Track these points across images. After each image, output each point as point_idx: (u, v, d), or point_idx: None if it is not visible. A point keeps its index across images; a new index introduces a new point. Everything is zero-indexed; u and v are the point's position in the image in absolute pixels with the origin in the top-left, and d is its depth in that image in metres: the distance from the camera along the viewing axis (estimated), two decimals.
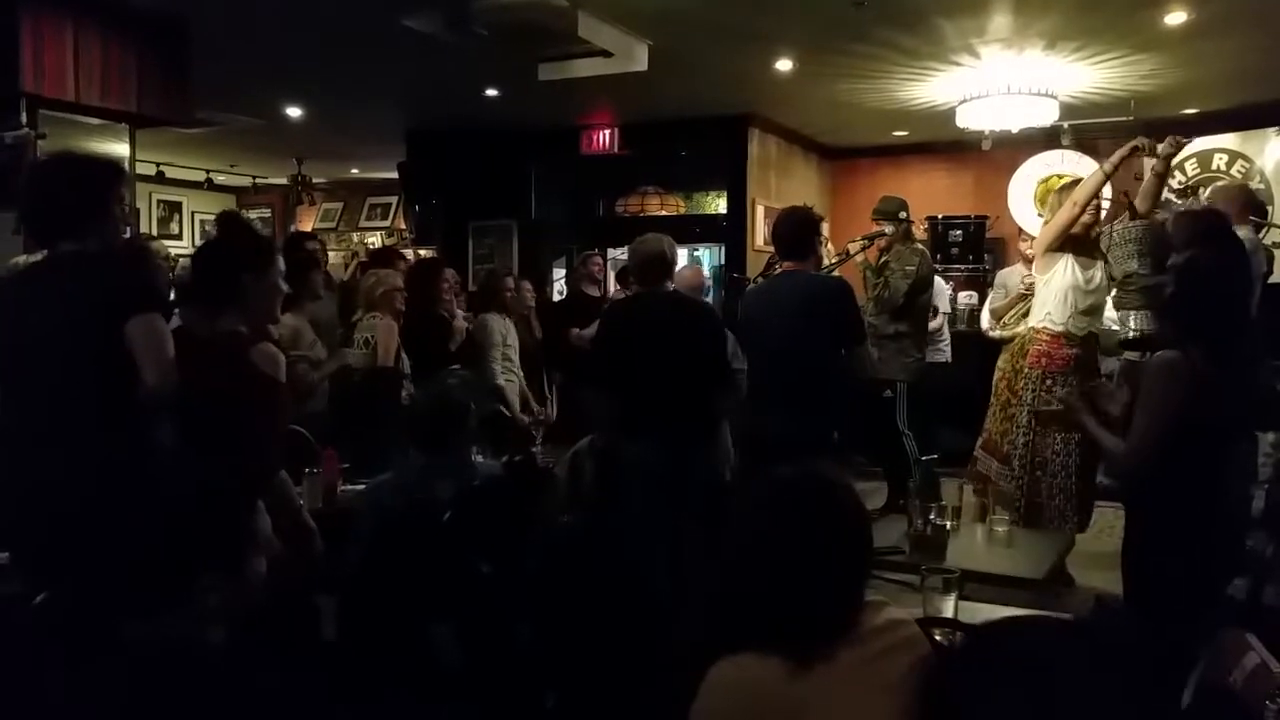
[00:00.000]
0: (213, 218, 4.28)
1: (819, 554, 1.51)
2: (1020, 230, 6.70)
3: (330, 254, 8.72)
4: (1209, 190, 5.78)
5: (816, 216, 3.92)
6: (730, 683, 1.48)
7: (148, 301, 2.32)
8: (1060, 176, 6.99)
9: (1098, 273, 4.20)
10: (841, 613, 1.51)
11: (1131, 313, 4.43)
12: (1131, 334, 4.42)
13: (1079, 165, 6.99)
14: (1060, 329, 4.16)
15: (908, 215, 5.48)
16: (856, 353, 3.73)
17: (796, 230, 3.82)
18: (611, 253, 8.47)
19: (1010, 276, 6.08)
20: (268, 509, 2.49)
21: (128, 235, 3.11)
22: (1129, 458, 2.69)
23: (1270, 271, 4.67)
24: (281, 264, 2.66)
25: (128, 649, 2.07)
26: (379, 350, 4.46)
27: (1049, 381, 4.14)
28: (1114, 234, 4.26)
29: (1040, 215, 6.70)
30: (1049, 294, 4.21)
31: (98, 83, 4.65)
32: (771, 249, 7.08)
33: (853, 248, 5.42)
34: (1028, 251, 6.15)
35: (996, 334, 5.86)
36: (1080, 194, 4.11)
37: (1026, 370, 4.22)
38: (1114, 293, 4.50)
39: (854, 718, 1.44)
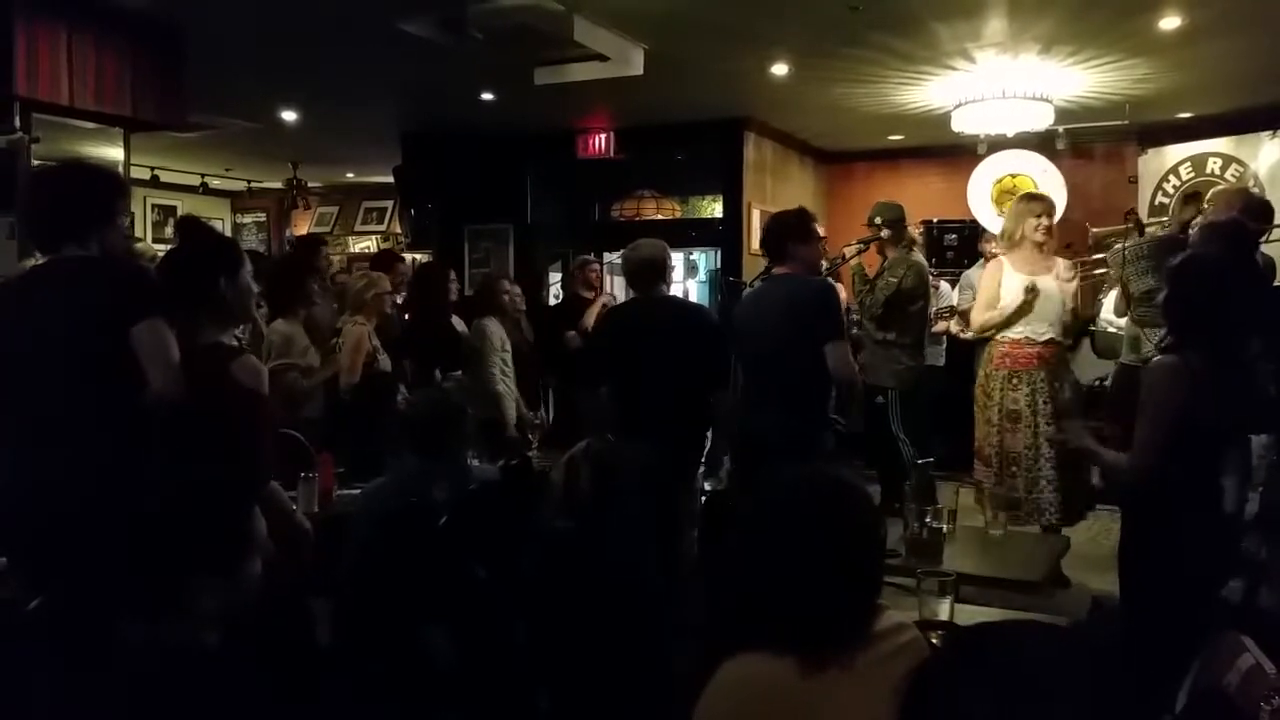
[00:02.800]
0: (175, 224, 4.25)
1: (833, 556, 1.51)
2: (983, 231, 6.73)
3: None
4: (1209, 194, 5.80)
5: (794, 219, 3.87)
6: (740, 681, 1.49)
7: (153, 306, 2.32)
8: (1014, 176, 7.06)
9: (1049, 281, 4.31)
10: (861, 616, 1.52)
11: (1153, 330, 4.41)
12: (1152, 351, 4.39)
13: (1029, 163, 7.06)
14: (1019, 335, 4.36)
15: (885, 221, 5.29)
16: (831, 349, 3.63)
17: (769, 235, 3.89)
18: (608, 257, 8.47)
19: (980, 277, 6.06)
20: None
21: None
22: (1134, 470, 2.68)
23: (1272, 276, 4.67)
24: (249, 263, 2.64)
25: (124, 653, 2.06)
26: (344, 359, 4.32)
27: (1015, 380, 4.35)
28: (1125, 252, 4.33)
29: (999, 216, 6.72)
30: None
31: (91, 86, 4.64)
32: (763, 254, 7.13)
33: (848, 251, 5.42)
34: (993, 251, 6.18)
35: (969, 335, 5.87)
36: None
37: (993, 372, 4.42)
38: (1135, 310, 4.61)
39: (864, 717, 1.45)
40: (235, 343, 2.71)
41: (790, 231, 3.80)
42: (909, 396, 5.35)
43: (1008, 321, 4.33)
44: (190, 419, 2.31)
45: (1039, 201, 4.49)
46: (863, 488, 1.63)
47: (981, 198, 7.09)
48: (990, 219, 6.85)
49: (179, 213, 10.58)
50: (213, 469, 2.31)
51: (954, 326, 6.20)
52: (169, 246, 3.27)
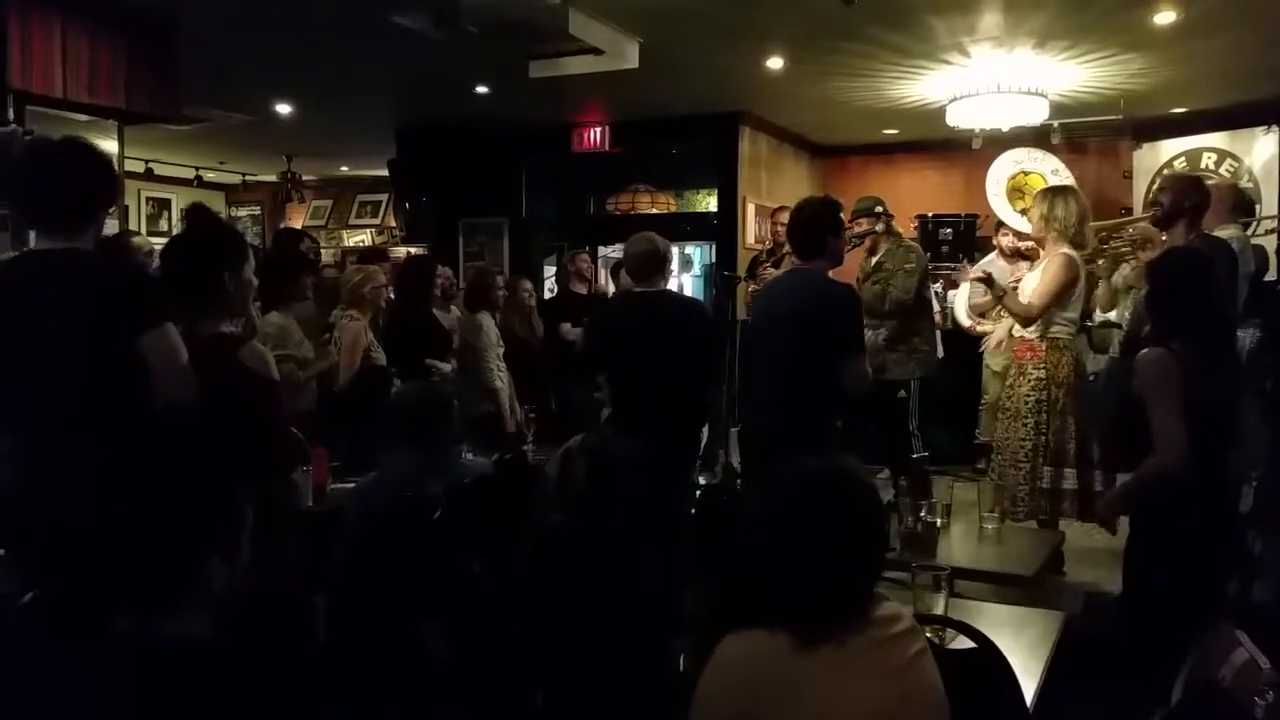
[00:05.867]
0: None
1: (840, 540, 1.54)
2: (1000, 224, 6.73)
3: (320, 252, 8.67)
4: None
5: (829, 213, 3.61)
6: (738, 655, 1.52)
7: (159, 312, 2.29)
8: (1026, 173, 7.07)
9: (1030, 276, 4.32)
10: (855, 599, 1.55)
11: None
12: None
13: (1041, 163, 7.07)
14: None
15: (885, 209, 5.49)
16: (850, 367, 3.47)
17: (803, 227, 3.61)
18: (603, 251, 8.47)
19: (990, 269, 6.06)
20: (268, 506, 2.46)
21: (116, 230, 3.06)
22: (1167, 459, 2.59)
23: (1263, 270, 4.70)
24: (252, 257, 2.62)
25: (121, 645, 2.05)
26: (343, 356, 4.31)
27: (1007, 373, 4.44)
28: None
29: (1016, 212, 6.73)
30: None
31: (85, 79, 4.62)
32: (759, 247, 7.13)
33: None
34: (1006, 244, 6.18)
35: (982, 329, 5.89)
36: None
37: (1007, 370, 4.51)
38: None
39: (852, 699, 1.48)
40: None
41: (828, 225, 3.57)
42: (927, 391, 5.41)
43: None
44: (205, 409, 2.29)
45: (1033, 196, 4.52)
46: (868, 479, 1.67)
47: (997, 193, 7.11)
48: (1008, 214, 6.86)
49: (174, 205, 10.56)
50: (214, 455, 2.29)
51: (962, 319, 6.23)
52: (164, 238, 3.22)
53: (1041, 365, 4.16)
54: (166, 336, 2.26)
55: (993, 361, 5.84)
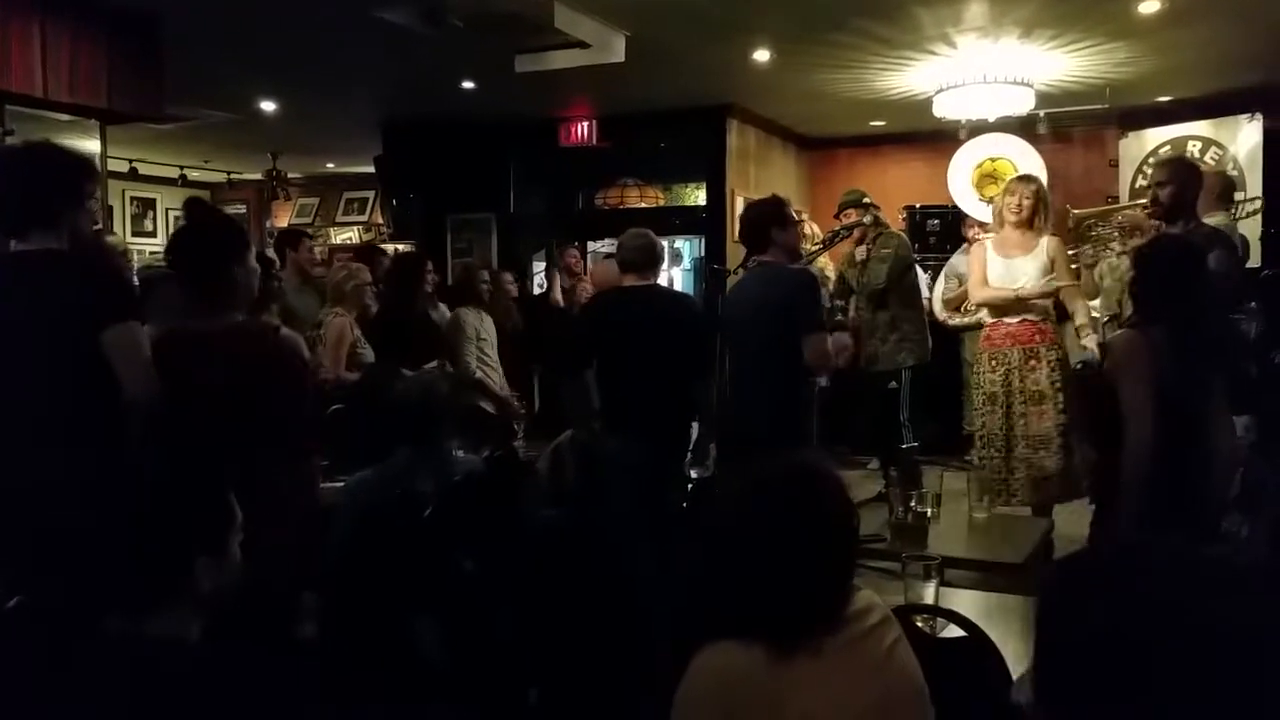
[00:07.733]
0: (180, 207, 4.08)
1: (805, 545, 1.50)
2: (965, 216, 6.73)
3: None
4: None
5: (772, 206, 3.79)
6: (713, 670, 1.48)
7: (125, 310, 2.30)
8: (993, 160, 7.06)
9: (1027, 262, 4.32)
10: (827, 604, 1.51)
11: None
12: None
13: (1008, 146, 7.07)
14: (995, 317, 4.44)
15: (871, 202, 5.60)
16: (807, 340, 3.51)
17: (748, 225, 3.82)
18: (592, 245, 8.45)
19: (962, 263, 6.08)
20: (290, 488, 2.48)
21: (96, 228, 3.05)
22: (1139, 440, 2.61)
23: (1246, 256, 4.73)
24: (252, 245, 2.63)
25: (108, 649, 2.04)
26: (328, 352, 4.30)
27: (993, 361, 4.38)
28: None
29: (982, 201, 6.72)
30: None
31: (66, 78, 4.58)
32: None
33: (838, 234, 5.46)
34: (973, 235, 6.21)
35: (956, 322, 5.91)
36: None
37: (979, 355, 4.50)
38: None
39: (837, 701, 1.45)
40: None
41: (770, 218, 3.74)
42: (918, 381, 5.43)
43: (1004, 308, 4.36)
44: (225, 405, 2.30)
45: (1015, 181, 4.54)
46: (834, 474, 1.60)
47: (962, 183, 7.10)
48: (972, 204, 6.86)
49: (158, 205, 10.50)
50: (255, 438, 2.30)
51: (938, 312, 6.23)
52: (149, 238, 3.21)
53: (1054, 346, 4.26)
54: (129, 333, 2.27)
55: (969, 353, 5.89)
